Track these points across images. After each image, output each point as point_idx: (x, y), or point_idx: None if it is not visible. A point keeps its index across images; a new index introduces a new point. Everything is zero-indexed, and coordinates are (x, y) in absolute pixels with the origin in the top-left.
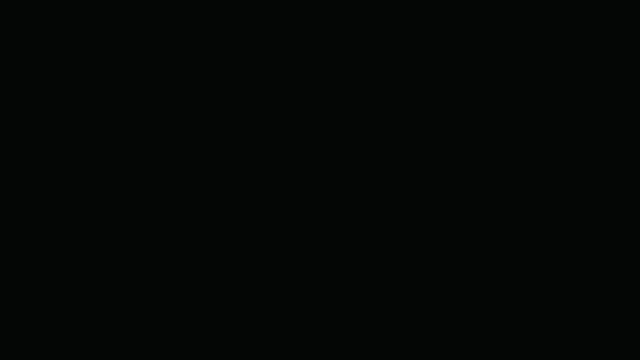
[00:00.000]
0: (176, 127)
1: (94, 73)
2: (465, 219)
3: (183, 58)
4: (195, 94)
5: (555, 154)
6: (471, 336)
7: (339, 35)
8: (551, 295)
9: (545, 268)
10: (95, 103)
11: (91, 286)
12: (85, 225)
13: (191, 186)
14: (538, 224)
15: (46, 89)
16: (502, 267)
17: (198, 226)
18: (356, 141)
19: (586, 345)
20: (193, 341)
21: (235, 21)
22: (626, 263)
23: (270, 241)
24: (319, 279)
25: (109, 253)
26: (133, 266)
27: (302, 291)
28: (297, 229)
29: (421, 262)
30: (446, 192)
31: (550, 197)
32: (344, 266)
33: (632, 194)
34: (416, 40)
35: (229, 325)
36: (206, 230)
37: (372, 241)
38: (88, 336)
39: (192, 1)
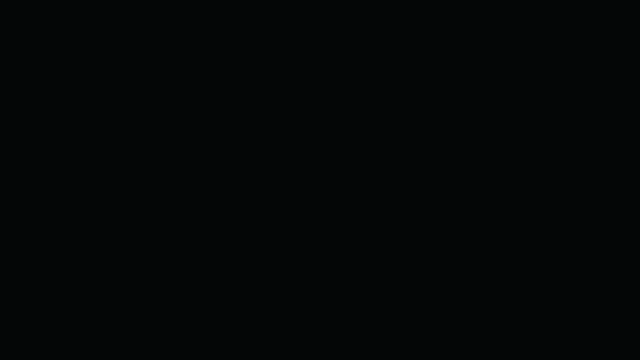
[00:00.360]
0: (176, 127)
1: (94, 73)
2: (465, 219)
3: (183, 58)
4: (195, 94)
5: (555, 154)
6: (471, 336)
7: (339, 35)
8: (551, 295)
9: (545, 268)
10: (95, 103)
11: (91, 286)
12: (85, 225)
13: (191, 186)
14: (538, 224)
15: (46, 89)
16: (502, 267)
17: (198, 226)
18: (356, 141)
19: (586, 345)
20: (193, 341)
21: (235, 21)
22: (626, 263)
23: (270, 241)
24: (319, 279)
25: (109, 253)
26: (133, 266)
27: (302, 291)
28: (297, 229)
29: (421, 262)
30: (446, 192)
31: (550, 197)
32: (344, 266)
33: (632, 194)
34: (416, 40)
35: (229, 325)
36: (206, 230)
37: (372, 241)
38: (88, 336)
39: (192, 1)
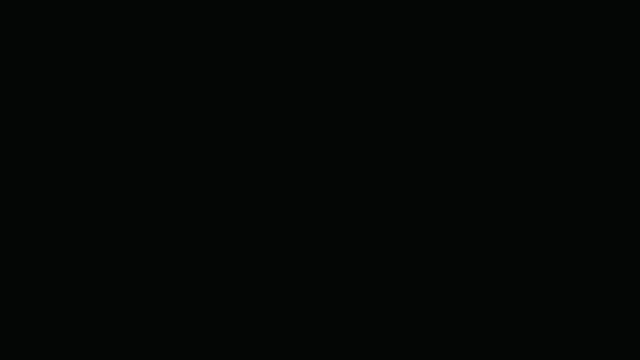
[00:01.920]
0: (176, 127)
1: (94, 73)
2: (465, 219)
3: (183, 58)
4: (195, 94)
5: (555, 154)
6: (471, 336)
7: (339, 35)
8: (551, 295)
9: (545, 268)
10: (95, 103)
11: (91, 286)
12: (85, 225)
13: (191, 186)
14: (538, 224)
15: (46, 89)
16: (502, 267)
17: (198, 226)
18: (356, 141)
19: (586, 345)
20: (193, 341)
21: (235, 21)
22: (626, 263)
23: (270, 241)
24: (319, 279)
25: (109, 253)
26: (133, 266)
27: (302, 291)
28: (297, 229)
29: (421, 262)
30: (446, 192)
31: (550, 197)
32: (344, 266)
33: (632, 194)
34: (416, 40)
35: (229, 325)
36: (206, 230)
37: (372, 241)
38: (88, 336)
39: (192, 1)
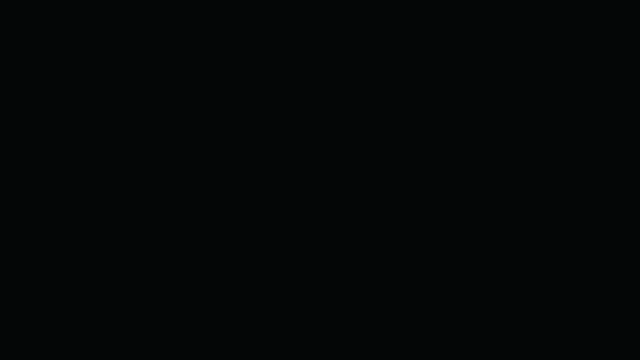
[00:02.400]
0: (176, 127)
1: (94, 73)
2: (465, 219)
3: (183, 59)
4: (195, 94)
5: (555, 154)
6: (471, 336)
7: (339, 35)
8: (551, 295)
9: (545, 268)
10: (95, 103)
11: (91, 287)
12: (85, 225)
13: (191, 186)
14: (538, 224)
15: (46, 89)
16: (502, 267)
17: (198, 226)
18: (356, 141)
19: (586, 345)
20: (193, 341)
21: (235, 21)
22: (626, 263)
23: (270, 241)
24: (319, 279)
25: (109, 253)
26: (133, 266)
27: (302, 291)
28: (297, 229)
29: (421, 262)
30: (446, 192)
31: (550, 197)
32: (344, 266)
33: (632, 194)
34: (416, 41)
35: (229, 325)
36: (206, 230)
37: (372, 241)
38: (88, 336)
39: (192, 1)
